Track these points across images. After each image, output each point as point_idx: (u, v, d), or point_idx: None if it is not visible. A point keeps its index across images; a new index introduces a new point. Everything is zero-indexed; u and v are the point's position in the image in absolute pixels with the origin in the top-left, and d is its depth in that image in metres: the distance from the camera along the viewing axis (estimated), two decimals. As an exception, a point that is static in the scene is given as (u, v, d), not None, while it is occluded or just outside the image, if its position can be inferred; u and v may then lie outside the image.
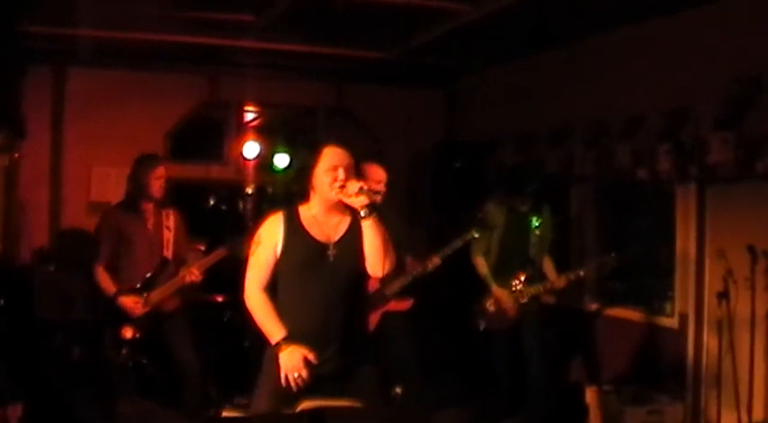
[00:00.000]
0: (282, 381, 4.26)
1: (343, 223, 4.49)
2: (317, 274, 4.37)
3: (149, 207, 6.60)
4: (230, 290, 7.70)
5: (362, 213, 4.24)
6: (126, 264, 6.52)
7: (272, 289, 4.46)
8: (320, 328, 4.34)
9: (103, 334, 6.53)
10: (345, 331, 4.41)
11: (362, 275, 4.48)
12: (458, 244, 6.79)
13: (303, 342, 4.28)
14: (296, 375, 4.22)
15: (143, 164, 6.58)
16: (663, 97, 7.13)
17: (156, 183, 6.52)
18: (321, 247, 4.40)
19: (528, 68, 9.16)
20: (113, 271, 6.49)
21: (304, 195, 4.47)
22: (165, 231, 6.63)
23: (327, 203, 4.42)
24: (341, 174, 4.30)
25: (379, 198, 6.03)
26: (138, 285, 6.44)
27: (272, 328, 4.35)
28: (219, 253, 6.59)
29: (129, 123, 9.27)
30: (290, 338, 4.29)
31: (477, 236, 6.90)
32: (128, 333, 6.36)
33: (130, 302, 6.37)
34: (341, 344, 4.37)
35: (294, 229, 4.41)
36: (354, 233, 4.41)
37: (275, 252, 4.41)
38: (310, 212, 4.45)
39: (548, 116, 8.75)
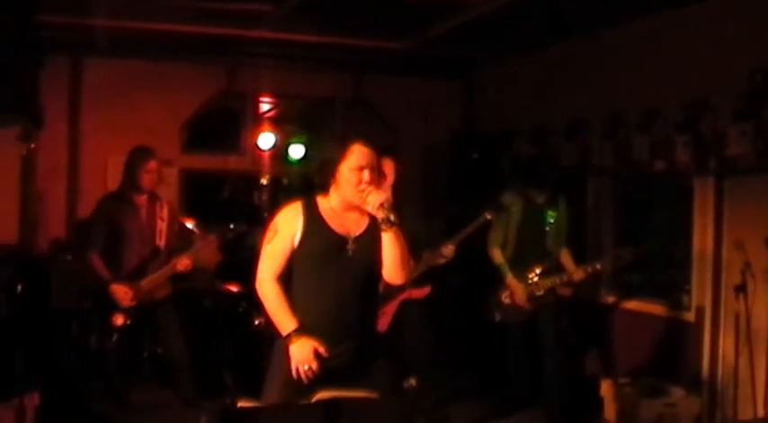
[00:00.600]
0: (293, 373, 4.25)
1: (363, 219, 4.45)
2: (334, 266, 4.33)
3: (142, 198, 6.73)
4: (245, 280, 7.67)
5: (383, 226, 4.24)
6: (118, 251, 6.64)
7: (286, 280, 4.41)
8: (334, 321, 4.32)
9: (93, 320, 6.74)
10: (359, 324, 4.39)
11: (378, 272, 4.46)
12: (470, 229, 6.78)
13: (317, 334, 4.26)
14: (306, 368, 4.21)
15: (135, 157, 6.69)
16: (681, 89, 7.09)
17: (147, 176, 6.63)
18: (340, 241, 4.37)
19: (545, 59, 9.12)
20: (107, 258, 6.59)
21: (325, 188, 4.43)
22: (159, 222, 6.76)
23: (347, 200, 4.39)
24: (366, 176, 4.26)
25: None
26: (130, 273, 6.56)
27: (284, 320, 4.32)
28: (210, 240, 6.73)
29: (146, 113, 9.33)
30: (304, 330, 4.27)
31: (489, 217, 6.86)
32: (118, 320, 6.49)
33: (120, 293, 6.48)
34: (355, 337, 4.36)
35: (314, 219, 4.37)
36: (374, 231, 4.39)
37: (292, 242, 4.36)
38: (329, 205, 4.42)
39: (564, 107, 8.72)
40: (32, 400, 6.28)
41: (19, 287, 6.94)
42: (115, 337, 6.54)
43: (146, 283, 6.57)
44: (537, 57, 9.22)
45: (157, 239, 6.72)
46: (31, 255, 8.56)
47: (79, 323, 7.76)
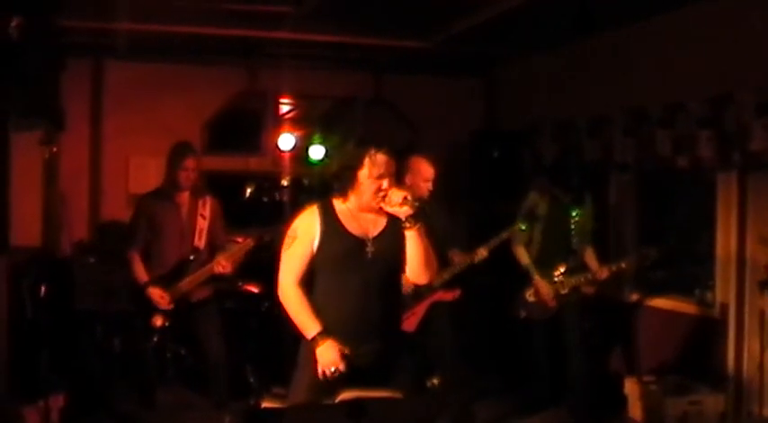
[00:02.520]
0: (320, 375, 4.27)
1: (381, 219, 4.48)
2: (354, 268, 4.36)
3: (183, 196, 6.66)
4: (268, 280, 7.66)
5: (406, 224, 4.25)
6: (157, 251, 6.61)
7: (308, 284, 4.45)
8: (357, 323, 4.35)
9: (134, 322, 6.64)
10: (383, 325, 4.42)
11: (399, 272, 4.49)
12: (504, 236, 6.83)
13: (340, 336, 4.29)
14: (333, 370, 4.23)
15: (174, 153, 6.65)
16: (703, 83, 7.05)
17: (184, 173, 6.56)
18: (359, 242, 4.39)
19: (566, 56, 9.11)
20: (146, 258, 6.57)
21: (344, 193, 4.44)
22: (200, 220, 6.67)
23: (366, 204, 4.41)
24: (385, 184, 4.30)
25: (426, 195, 6.16)
26: (168, 273, 6.52)
27: (308, 323, 4.35)
28: (248, 243, 6.58)
29: (167, 115, 9.36)
30: (327, 333, 4.30)
31: (523, 228, 6.95)
32: (158, 321, 6.46)
33: (157, 295, 6.44)
34: (379, 337, 4.38)
35: (331, 223, 4.40)
36: (393, 230, 4.42)
37: (312, 246, 4.39)
38: (346, 206, 4.44)
39: (586, 104, 8.68)
40: (57, 401, 6.35)
41: (43, 289, 6.94)
42: (155, 339, 6.54)
43: (184, 284, 6.52)
44: (558, 53, 9.20)
45: (197, 239, 6.64)
46: (54, 257, 8.60)
47: (103, 325, 7.81)
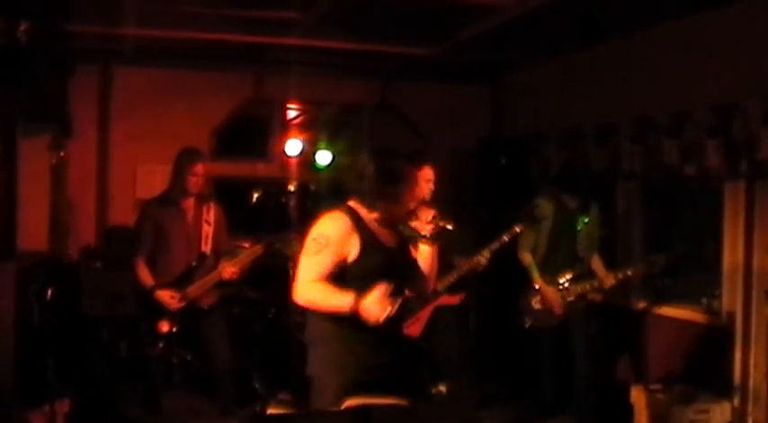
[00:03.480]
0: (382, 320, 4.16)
1: (391, 230, 4.48)
2: (386, 279, 4.23)
3: (189, 201, 6.64)
4: (275, 286, 7.76)
5: (427, 240, 4.27)
6: (163, 257, 6.58)
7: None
8: (380, 335, 4.27)
9: (140, 327, 6.62)
10: (397, 335, 4.43)
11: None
12: (505, 238, 6.80)
13: (365, 349, 4.27)
14: (388, 311, 4.12)
15: (181, 159, 6.62)
16: (711, 92, 7.01)
17: (192, 179, 6.53)
18: (390, 252, 4.37)
19: (574, 63, 9.07)
20: (152, 264, 6.54)
21: (374, 205, 4.38)
22: (205, 226, 6.65)
23: (392, 216, 4.40)
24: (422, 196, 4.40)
25: (428, 196, 6.13)
26: (175, 279, 6.49)
27: (340, 299, 4.20)
28: (257, 249, 6.58)
29: (175, 121, 9.37)
30: (352, 342, 4.26)
31: (518, 230, 6.87)
32: (164, 327, 6.44)
33: (167, 296, 6.42)
34: (394, 349, 4.38)
35: (367, 234, 4.33)
36: (403, 241, 4.46)
37: (344, 257, 4.28)
38: (372, 215, 4.40)
39: (594, 111, 8.66)
40: (63, 406, 6.34)
41: (50, 294, 6.96)
42: (161, 345, 6.52)
43: (192, 290, 6.50)
44: (565, 61, 9.17)
45: (203, 245, 6.62)
46: (61, 262, 8.58)
47: (110, 330, 7.79)
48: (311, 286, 4.27)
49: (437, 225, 4.22)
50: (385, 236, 4.40)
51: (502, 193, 9.30)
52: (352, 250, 4.27)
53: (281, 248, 6.99)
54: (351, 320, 4.21)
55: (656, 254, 7.03)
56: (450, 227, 4.22)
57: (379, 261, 4.30)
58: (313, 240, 4.31)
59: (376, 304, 4.09)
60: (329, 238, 4.26)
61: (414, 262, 4.47)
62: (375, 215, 4.38)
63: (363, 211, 4.38)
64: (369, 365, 4.27)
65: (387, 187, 4.31)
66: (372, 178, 4.33)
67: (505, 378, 8.43)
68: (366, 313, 4.12)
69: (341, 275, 4.29)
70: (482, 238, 6.93)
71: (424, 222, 4.25)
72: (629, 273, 6.99)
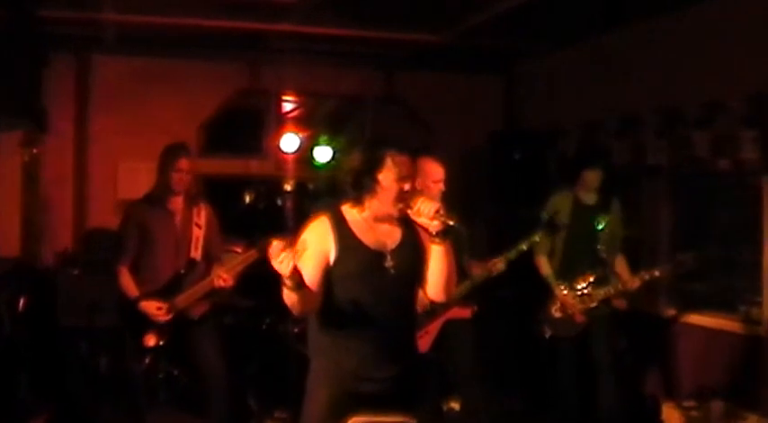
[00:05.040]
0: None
1: (396, 230, 4.35)
2: (372, 286, 4.21)
3: (177, 202, 6.52)
4: (270, 294, 7.60)
5: (435, 239, 4.15)
6: (149, 263, 6.44)
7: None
8: (377, 347, 4.21)
9: (123, 340, 6.50)
10: (403, 348, 4.33)
11: (417, 288, 4.39)
12: (523, 247, 6.72)
13: (358, 362, 4.18)
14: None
15: (166, 155, 6.49)
16: (745, 80, 6.94)
17: (176, 176, 6.39)
18: (377, 257, 4.25)
19: (594, 51, 9.05)
20: (137, 271, 6.43)
21: (360, 200, 4.29)
22: (195, 229, 6.53)
23: (383, 211, 4.28)
24: (407, 187, 4.19)
25: (438, 197, 6.07)
26: (162, 288, 6.36)
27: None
28: (251, 254, 6.45)
29: (160, 115, 9.35)
30: (343, 357, 4.19)
31: (538, 239, 6.84)
32: (151, 340, 6.27)
33: (153, 308, 6.27)
34: (398, 362, 4.27)
35: (345, 235, 4.24)
36: (411, 242, 4.32)
37: (325, 261, 4.22)
38: (360, 216, 4.30)
39: (616, 102, 8.63)
40: (39, 425, 6.30)
41: (22, 304, 6.92)
42: (148, 360, 6.43)
43: (180, 299, 6.36)
44: (585, 48, 9.17)
45: (193, 250, 6.49)
46: (35, 268, 8.60)
47: (89, 343, 7.76)
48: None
49: (443, 219, 4.07)
50: (376, 237, 4.29)
51: (516, 191, 9.28)
52: (331, 254, 4.22)
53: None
54: (347, 332, 4.20)
55: (685, 253, 6.92)
56: (452, 223, 4.06)
57: (357, 266, 4.22)
58: (297, 248, 4.24)
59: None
60: (306, 243, 4.19)
61: (414, 268, 4.34)
62: (366, 214, 4.30)
63: (353, 213, 4.31)
64: (366, 379, 4.19)
65: (367, 178, 4.23)
66: (356, 170, 4.29)
67: (523, 393, 8.38)
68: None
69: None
70: (496, 239, 6.94)
71: (427, 218, 4.10)
72: (656, 273, 6.85)
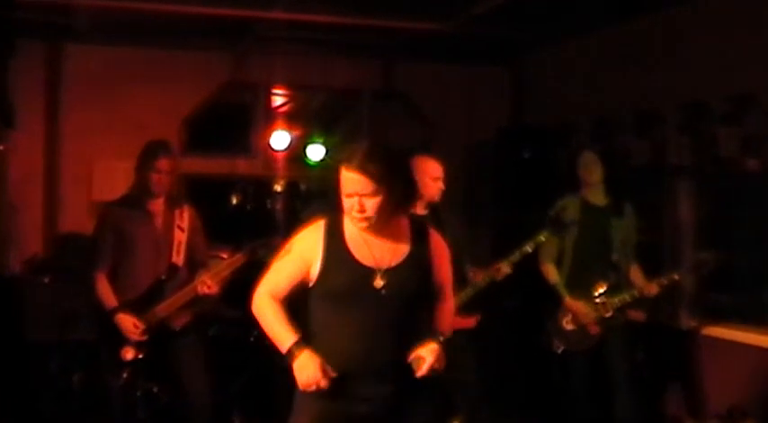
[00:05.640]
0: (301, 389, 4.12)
1: (401, 246, 4.24)
2: (360, 305, 4.13)
3: (157, 204, 6.45)
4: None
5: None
6: (127, 270, 6.37)
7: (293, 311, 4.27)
8: (364, 367, 4.12)
9: (98, 354, 6.44)
10: (394, 366, 4.19)
11: (418, 308, 4.29)
12: (528, 249, 6.61)
13: (344, 380, 4.09)
14: (314, 388, 4.04)
15: (144, 153, 6.43)
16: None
17: (155, 176, 6.31)
18: (366, 274, 4.15)
19: (609, 40, 9.03)
20: (114, 279, 6.37)
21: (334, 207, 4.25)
22: (177, 232, 6.46)
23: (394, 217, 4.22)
24: (357, 205, 4.08)
25: (438, 196, 6.14)
26: (142, 296, 6.29)
27: (283, 333, 4.15)
28: (238, 259, 6.41)
29: (139, 110, 9.34)
30: (341, 369, 4.10)
31: (544, 239, 6.73)
32: (128, 354, 6.19)
33: (130, 324, 6.20)
34: (389, 381, 4.18)
35: (336, 247, 4.17)
36: (417, 261, 4.22)
37: (304, 271, 4.18)
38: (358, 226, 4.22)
39: (633, 96, 8.58)
40: (4, 448, 6.27)
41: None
42: (125, 375, 6.28)
43: (161, 308, 6.27)
44: (600, 37, 9.13)
45: (175, 255, 6.40)
46: (1, 276, 8.57)
47: (60, 358, 7.71)
48: (264, 300, 4.27)
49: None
50: (372, 252, 4.20)
51: (524, 191, 9.24)
52: (315, 265, 4.19)
53: (265, 257, 6.73)
54: (332, 350, 4.12)
55: (707, 252, 6.87)
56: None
57: (343, 282, 4.15)
58: (284, 249, 4.32)
59: (305, 371, 4.06)
60: (292, 245, 4.27)
61: (414, 289, 4.26)
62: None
63: (349, 222, 4.25)
64: (356, 398, 4.13)
65: (332, 191, 4.23)
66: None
67: (532, 411, 8.33)
68: (294, 371, 4.11)
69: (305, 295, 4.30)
70: (501, 244, 6.89)
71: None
72: (675, 277, 6.77)
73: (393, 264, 4.17)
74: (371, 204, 4.04)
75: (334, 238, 4.18)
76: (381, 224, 4.16)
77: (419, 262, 4.19)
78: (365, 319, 4.12)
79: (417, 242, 4.24)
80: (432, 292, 4.31)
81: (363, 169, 4.04)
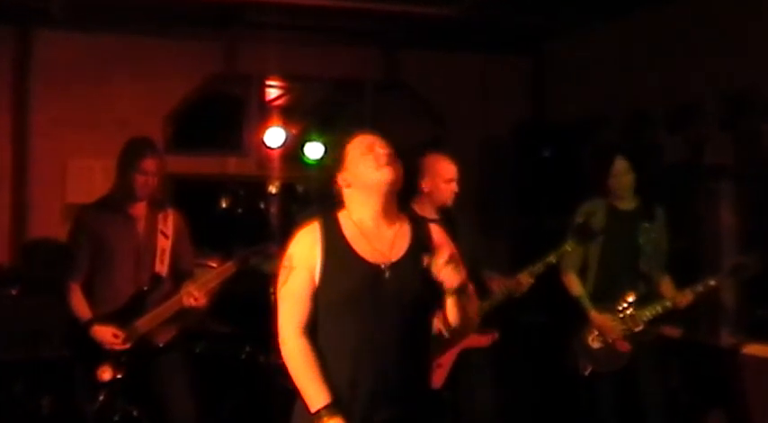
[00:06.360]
0: None
1: (402, 236, 4.17)
2: (366, 307, 4.02)
3: (139, 207, 6.40)
4: (249, 317, 7.63)
5: (447, 291, 4.03)
6: (105, 280, 6.33)
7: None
8: (373, 381, 3.99)
9: (72, 374, 6.37)
10: (406, 382, 4.08)
11: (430, 309, 4.19)
12: (552, 259, 6.58)
13: (350, 400, 3.98)
14: None
15: (127, 152, 6.38)
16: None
17: (141, 178, 6.27)
18: (372, 271, 4.06)
19: (641, 27, 9.01)
20: (90, 290, 6.30)
21: (341, 200, 4.21)
22: (161, 238, 6.43)
23: (375, 200, 4.11)
24: (379, 149, 4.08)
25: (451, 199, 6.24)
26: (121, 309, 6.21)
27: (313, 390, 4.03)
28: (228, 268, 6.39)
29: (118, 103, 9.30)
30: (335, 394, 4.00)
31: (569, 249, 6.69)
32: (105, 373, 6.12)
33: (108, 334, 6.12)
34: (401, 399, 4.05)
35: (335, 244, 4.10)
36: (418, 255, 4.10)
37: (313, 278, 4.08)
38: (353, 218, 4.16)
39: (667, 88, 8.56)
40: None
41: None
42: (102, 397, 6.19)
43: (143, 322, 6.22)
44: (629, 24, 9.12)
45: (158, 264, 6.39)
46: None
47: (28, 378, 7.59)
48: (292, 344, 4.14)
49: (454, 273, 3.98)
50: (376, 247, 4.14)
51: (545, 194, 9.31)
52: (317, 269, 4.13)
53: (259, 266, 6.78)
54: (338, 365, 4.06)
55: (747, 254, 6.73)
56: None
57: (348, 282, 4.08)
58: (282, 267, 4.20)
59: None
60: (292, 258, 4.18)
61: (424, 284, 4.14)
62: (356, 217, 4.22)
63: (345, 217, 4.21)
64: (363, 421, 4.01)
65: (333, 171, 4.23)
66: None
67: None
68: None
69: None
70: (519, 253, 6.75)
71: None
72: (712, 283, 6.64)
73: (397, 257, 4.11)
74: (389, 154, 4.10)
75: (333, 237, 4.14)
76: (380, 218, 4.15)
77: (420, 255, 4.09)
78: (375, 325, 4.03)
79: (415, 234, 4.21)
80: (438, 290, 4.12)
81: (377, 133, 4.17)
